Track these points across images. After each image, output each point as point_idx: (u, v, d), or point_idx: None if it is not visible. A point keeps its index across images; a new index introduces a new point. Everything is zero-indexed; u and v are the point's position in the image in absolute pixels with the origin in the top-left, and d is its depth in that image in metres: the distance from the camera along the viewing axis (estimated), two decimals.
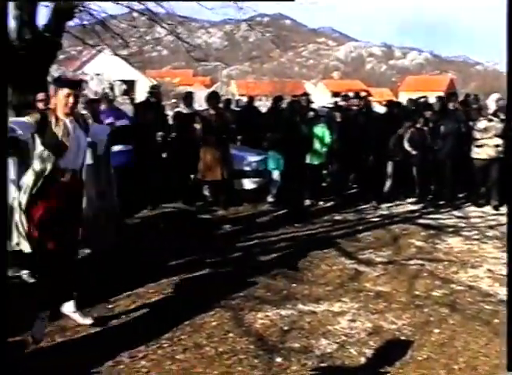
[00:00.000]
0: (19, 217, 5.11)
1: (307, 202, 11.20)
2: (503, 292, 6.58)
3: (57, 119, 5.16)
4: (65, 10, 10.24)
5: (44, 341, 5.11)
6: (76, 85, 5.39)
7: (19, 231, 5.19)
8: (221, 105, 12.69)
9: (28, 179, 5.09)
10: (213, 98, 11.00)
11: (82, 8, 10.61)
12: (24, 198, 5.05)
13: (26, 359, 4.78)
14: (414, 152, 11.42)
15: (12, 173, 6.42)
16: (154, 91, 11.20)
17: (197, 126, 10.50)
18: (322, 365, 4.76)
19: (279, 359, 4.82)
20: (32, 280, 6.69)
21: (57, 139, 5.08)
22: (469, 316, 5.91)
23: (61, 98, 5.16)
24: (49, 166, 5.04)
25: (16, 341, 5.04)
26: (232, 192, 11.00)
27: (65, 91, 5.12)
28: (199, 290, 6.56)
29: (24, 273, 6.77)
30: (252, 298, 6.30)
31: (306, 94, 13.32)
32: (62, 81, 5.51)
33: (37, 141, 5.13)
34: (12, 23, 9.93)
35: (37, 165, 5.08)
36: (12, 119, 5.02)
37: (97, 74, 26.63)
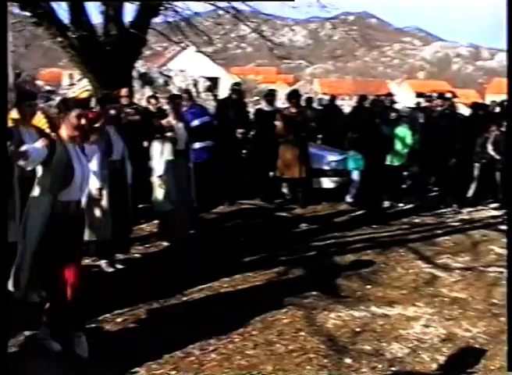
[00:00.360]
0: None
1: (386, 204, 11.07)
2: None
3: (63, 144, 4.58)
4: (151, 7, 10.47)
5: (117, 328, 5.26)
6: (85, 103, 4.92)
7: None
8: (302, 104, 12.72)
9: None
10: (294, 96, 11.02)
11: (167, 6, 10.80)
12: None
13: (98, 346, 4.90)
14: (497, 157, 11.12)
15: None
16: (236, 89, 11.29)
17: (278, 123, 10.53)
18: (392, 369, 4.71)
19: (348, 360, 4.80)
20: (110, 269, 6.90)
21: (65, 166, 4.54)
22: None
23: (70, 120, 4.58)
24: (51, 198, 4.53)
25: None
26: (311, 191, 10.97)
27: (76, 111, 4.55)
28: (272, 287, 6.60)
29: (103, 263, 6.98)
30: (325, 297, 6.29)
31: (389, 95, 13.18)
32: (68, 103, 4.88)
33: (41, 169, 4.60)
34: (98, 19, 10.21)
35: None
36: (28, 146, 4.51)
37: (182, 71, 27.06)
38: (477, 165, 11.42)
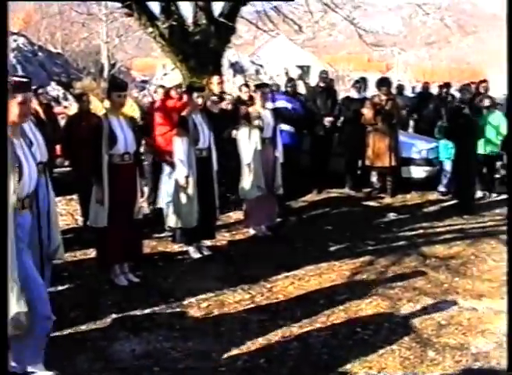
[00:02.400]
0: None
1: (479, 194, 10.77)
2: None
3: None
4: None
5: (203, 314, 5.36)
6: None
7: None
8: (393, 91, 12.54)
9: None
10: (383, 83, 10.86)
11: None
12: None
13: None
14: None
15: None
16: (324, 76, 11.22)
17: (366, 111, 10.41)
18: (477, 363, 4.59)
19: (432, 354, 4.70)
20: (197, 255, 7.02)
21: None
22: None
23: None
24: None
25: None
26: (400, 180, 10.81)
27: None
28: (358, 276, 6.55)
29: (190, 249, 7.11)
30: (411, 288, 6.19)
31: (484, 81, 12.81)
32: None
33: None
34: (188, 9, 10.36)
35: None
36: None
37: (272, 59, 27.15)
38: None
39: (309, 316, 5.39)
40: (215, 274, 6.46)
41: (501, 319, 5.46)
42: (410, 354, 4.69)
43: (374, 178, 11.06)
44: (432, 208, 10.00)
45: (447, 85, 13.80)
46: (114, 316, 5.27)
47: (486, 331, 5.19)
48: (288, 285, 6.23)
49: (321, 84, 11.00)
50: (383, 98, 10.55)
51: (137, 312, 5.37)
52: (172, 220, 6.96)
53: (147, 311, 5.42)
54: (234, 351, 4.65)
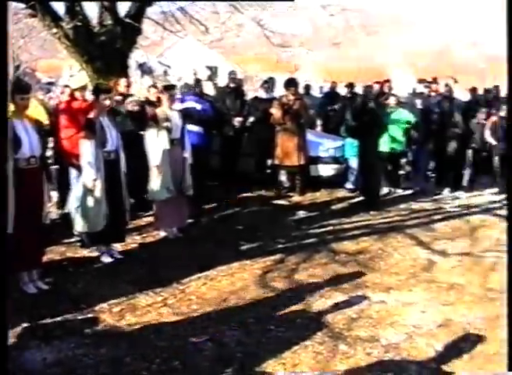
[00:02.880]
0: None
1: (385, 190, 11.06)
2: None
3: None
4: None
5: (116, 319, 5.28)
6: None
7: None
8: (301, 91, 12.70)
9: None
10: (291, 83, 10.96)
11: None
12: None
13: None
14: (494, 143, 11.10)
15: None
16: (233, 77, 11.27)
17: (275, 111, 10.50)
18: (388, 355, 4.71)
19: (344, 347, 4.79)
20: (108, 260, 6.90)
21: None
22: None
23: None
24: None
25: None
26: (309, 178, 10.97)
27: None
28: (269, 274, 6.60)
29: (100, 253, 6.98)
30: (322, 284, 6.28)
31: (388, 81, 13.17)
32: None
33: None
34: (93, 9, 10.18)
35: None
36: None
37: (180, 60, 27.01)
38: (469, 151, 11.40)
39: (222, 315, 5.40)
40: (126, 278, 6.36)
41: (409, 310, 5.64)
42: (322, 349, 4.76)
43: (283, 177, 11.17)
44: (340, 206, 10.20)
45: (351, 85, 14.09)
46: (24, 324, 5.12)
47: (395, 323, 5.34)
48: (200, 286, 6.21)
49: (230, 85, 11.05)
50: (291, 98, 10.65)
51: (48, 320, 5.23)
52: (79, 224, 6.80)
53: (58, 318, 5.28)
54: (148, 355, 4.60)
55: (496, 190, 11.45)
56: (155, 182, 7.65)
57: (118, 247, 7.26)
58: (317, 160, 11.15)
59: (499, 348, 4.84)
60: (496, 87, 14.18)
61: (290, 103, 10.57)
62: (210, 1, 12.75)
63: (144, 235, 8.05)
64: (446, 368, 4.50)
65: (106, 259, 6.92)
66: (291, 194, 10.73)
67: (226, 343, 4.85)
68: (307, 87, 15.07)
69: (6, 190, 3.23)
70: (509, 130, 4.38)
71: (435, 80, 12.98)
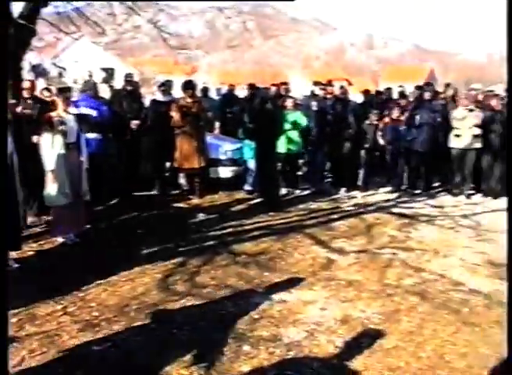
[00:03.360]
0: None
1: (283, 191, 11.22)
2: (473, 281, 6.66)
3: None
4: None
5: (15, 329, 5.11)
6: None
7: None
8: (198, 94, 12.68)
9: None
10: (189, 86, 10.92)
11: None
12: None
13: None
14: (382, 143, 11.50)
15: None
16: (130, 80, 11.12)
17: (174, 114, 10.44)
18: (290, 353, 4.77)
19: (247, 347, 4.82)
20: None
21: None
22: (438, 305, 5.94)
23: None
24: None
25: None
26: (208, 181, 10.98)
27: None
28: (171, 278, 6.56)
29: None
30: (224, 286, 6.30)
31: (285, 83, 13.34)
32: None
33: None
34: None
35: None
36: None
37: (76, 62, 26.42)
38: (363, 151, 11.75)
39: (125, 321, 5.32)
40: (24, 287, 6.17)
41: (310, 308, 5.74)
42: (226, 350, 4.77)
43: (182, 180, 11.13)
44: (239, 207, 10.25)
45: (253, 86, 14.15)
46: None
47: (297, 321, 5.42)
48: (101, 292, 6.09)
49: (127, 87, 10.89)
50: (189, 100, 10.62)
51: None
52: None
53: None
54: (50, 364, 4.48)
55: (389, 189, 11.84)
56: (51, 187, 7.45)
57: (14, 255, 7.02)
58: (216, 162, 11.19)
59: (398, 342, 5.01)
60: (388, 89, 14.62)
61: (189, 106, 10.54)
62: (106, 2, 12.54)
63: (42, 242, 7.82)
64: (346, 363, 4.61)
65: None
66: (191, 196, 10.70)
67: (130, 349, 4.78)
68: (205, 90, 15.05)
69: (6, 190, 3.11)
70: (509, 130, 4.52)
71: (330, 83, 13.25)
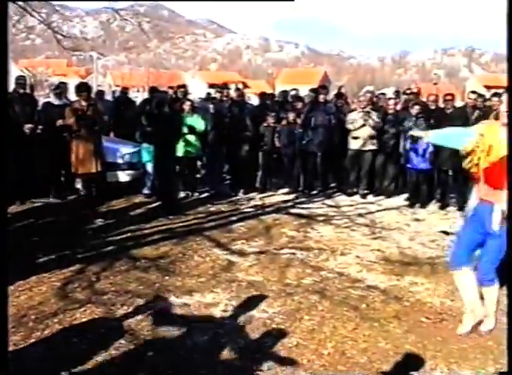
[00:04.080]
0: None
1: (182, 194, 11.20)
2: (370, 278, 6.86)
3: None
4: None
5: None
6: None
7: None
8: (93, 96, 12.45)
9: None
10: (83, 88, 10.68)
11: None
12: None
13: None
14: (279, 145, 11.70)
15: None
16: (22, 82, 10.78)
17: (68, 118, 10.19)
18: (194, 356, 4.76)
19: (150, 353, 4.79)
20: None
21: None
22: (338, 302, 6.07)
23: None
24: None
25: None
26: (106, 185, 10.79)
27: None
28: (69, 286, 6.41)
29: None
30: (124, 292, 6.22)
31: (183, 86, 13.32)
32: None
33: None
34: None
35: None
36: None
37: None
38: (261, 153, 11.91)
39: (23, 332, 5.16)
40: None
41: (212, 311, 5.74)
42: (127, 358, 4.71)
43: (79, 185, 10.89)
44: (138, 211, 10.15)
45: (155, 89, 14.03)
46: None
47: (201, 326, 5.40)
48: None
49: (19, 90, 10.55)
50: (84, 103, 10.39)
51: None
52: None
53: None
54: None
55: (287, 190, 12.03)
56: None
57: None
58: (114, 166, 11.01)
59: (300, 340, 5.10)
60: (284, 91, 14.82)
61: (84, 109, 10.31)
62: None
63: None
64: (250, 363, 4.65)
65: None
66: (88, 201, 10.47)
67: (29, 360, 4.65)
68: (100, 92, 14.85)
69: (6, 189, 2.95)
70: (509, 130, 4.58)
71: (225, 85, 13.34)
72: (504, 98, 5.15)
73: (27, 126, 10.10)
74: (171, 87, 13.65)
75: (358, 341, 5.16)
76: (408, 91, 13.87)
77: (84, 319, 5.51)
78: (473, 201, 5.48)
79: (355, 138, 11.65)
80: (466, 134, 5.23)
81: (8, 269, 3.22)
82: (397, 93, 14.63)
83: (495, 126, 5.09)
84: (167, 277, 6.73)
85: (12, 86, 10.31)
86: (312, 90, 13.39)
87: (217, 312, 5.75)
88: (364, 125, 11.48)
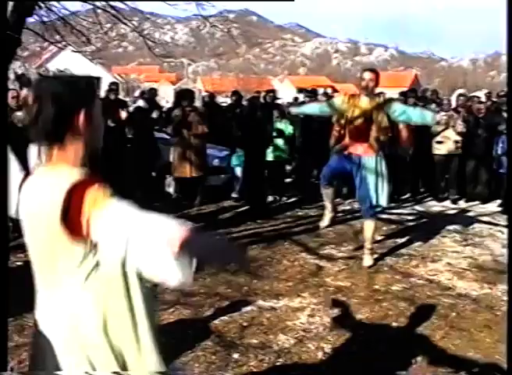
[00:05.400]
0: None
1: (270, 198, 11.23)
2: (461, 286, 6.69)
3: None
4: (24, 6, 10.10)
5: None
6: None
7: None
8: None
9: None
10: (187, 95, 10.86)
11: (41, 5, 10.47)
12: None
13: None
14: None
15: None
16: (113, 88, 11.10)
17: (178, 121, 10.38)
18: (279, 360, 4.76)
19: (236, 355, 4.81)
20: None
21: None
22: (427, 310, 5.96)
23: None
24: None
25: None
26: (203, 189, 10.93)
27: None
28: (158, 287, 6.50)
29: None
30: (212, 294, 6.29)
31: (272, 91, 13.38)
32: None
33: None
34: None
35: None
36: None
37: (61, 71, 26.33)
38: None
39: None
40: (12, 298, 6.13)
41: (298, 315, 5.73)
42: (215, 358, 4.76)
43: (170, 189, 11.10)
44: (226, 215, 10.25)
45: (237, 94, 14.18)
46: None
47: (286, 328, 5.41)
48: None
49: (111, 96, 10.86)
50: (189, 109, 10.52)
51: None
52: None
53: None
54: None
55: None
56: None
57: None
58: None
59: (386, 348, 5.03)
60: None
61: (186, 114, 10.47)
62: (92, 10, 12.52)
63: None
64: (335, 369, 4.62)
65: None
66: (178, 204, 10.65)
67: None
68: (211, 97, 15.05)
69: (6, 189, 3.09)
70: (509, 130, 4.59)
71: (314, 90, 13.31)
72: None
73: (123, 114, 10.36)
74: (259, 92, 13.72)
75: (447, 350, 5.04)
76: (501, 93, 13.45)
77: (173, 320, 5.60)
78: None
79: (439, 143, 11.41)
80: None
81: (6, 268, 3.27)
82: (489, 95, 14.21)
83: None
84: (255, 281, 6.75)
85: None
86: (401, 93, 13.20)
87: (303, 317, 5.74)
88: (446, 128, 11.20)
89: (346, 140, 7.23)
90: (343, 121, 7.20)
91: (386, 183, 7.15)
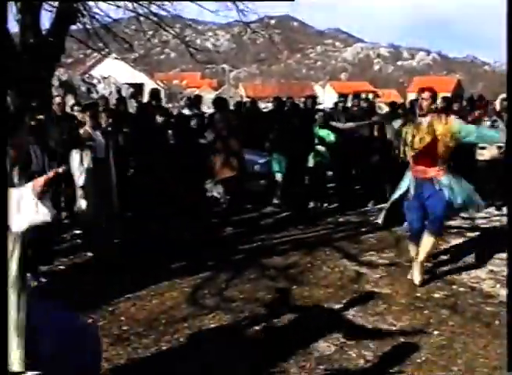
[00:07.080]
0: None
1: (311, 204, 11.19)
2: (504, 293, 6.57)
3: None
4: (68, 14, 10.27)
5: None
6: None
7: None
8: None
9: None
10: (219, 103, 10.92)
11: (85, 13, 10.63)
12: None
13: None
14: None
15: None
16: (156, 94, 11.20)
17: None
18: (320, 367, 4.75)
19: (276, 362, 4.81)
20: (34, 283, 6.74)
21: None
22: (469, 318, 5.88)
23: None
24: None
25: None
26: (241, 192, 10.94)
27: None
28: (199, 292, 6.57)
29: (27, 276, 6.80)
30: (252, 300, 6.31)
31: (313, 96, 13.36)
32: None
33: None
34: (15, 28, 9.95)
35: None
36: None
37: (105, 78, 26.69)
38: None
39: (153, 336, 5.34)
40: (53, 303, 6.21)
41: (340, 321, 5.70)
42: (255, 364, 4.77)
43: (214, 192, 11.10)
44: (267, 221, 10.26)
45: (279, 100, 14.17)
46: None
47: (327, 335, 5.38)
48: (130, 307, 6.13)
49: (154, 102, 10.96)
50: (230, 115, 10.58)
51: None
52: None
53: None
54: None
55: None
56: (82, 203, 7.54)
57: (44, 269, 7.09)
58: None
59: (429, 355, 4.97)
60: (415, 100, 14.51)
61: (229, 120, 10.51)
62: (134, 18, 12.67)
63: (72, 257, 7.89)
64: None
65: (32, 282, 6.74)
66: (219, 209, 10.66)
67: (158, 365, 4.81)
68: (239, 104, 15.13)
69: (6, 189, 3.18)
70: (509, 130, 4.55)
71: (356, 95, 13.25)
72: None
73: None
74: (300, 97, 13.73)
75: (490, 359, 4.95)
76: None
77: (212, 326, 5.63)
78: None
79: (482, 148, 11.25)
80: None
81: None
82: None
83: None
84: (295, 287, 6.75)
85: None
86: (444, 98, 13.05)
87: (344, 324, 5.71)
88: None
89: (413, 165, 6.92)
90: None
91: (474, 193, 7.01)
